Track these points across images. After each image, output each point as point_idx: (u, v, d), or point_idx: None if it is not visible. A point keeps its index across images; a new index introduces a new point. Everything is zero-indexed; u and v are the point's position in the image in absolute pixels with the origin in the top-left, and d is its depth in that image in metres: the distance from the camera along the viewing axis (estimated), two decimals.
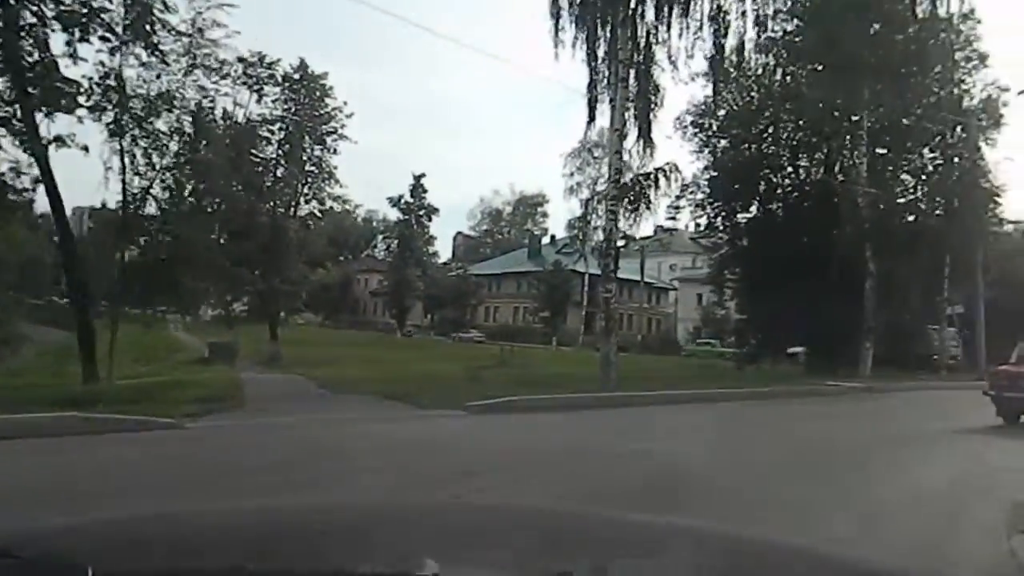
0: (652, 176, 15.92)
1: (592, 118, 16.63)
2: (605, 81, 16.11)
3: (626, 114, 15.56)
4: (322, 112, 34.82)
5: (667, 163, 16.38)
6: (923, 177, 26.39)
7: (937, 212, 25.04)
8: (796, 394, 16.88)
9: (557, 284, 50.14)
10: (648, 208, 16.23)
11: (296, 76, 33.60)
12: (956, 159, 26.37)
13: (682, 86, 26.16)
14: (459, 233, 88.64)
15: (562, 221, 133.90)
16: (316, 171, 36.09)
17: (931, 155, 26.92)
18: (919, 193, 25.44)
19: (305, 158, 35.38)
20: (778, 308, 26.43)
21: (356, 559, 1.61)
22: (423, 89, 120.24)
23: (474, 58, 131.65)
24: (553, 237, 70.84)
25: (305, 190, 36.64)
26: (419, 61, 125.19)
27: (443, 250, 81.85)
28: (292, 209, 37.11)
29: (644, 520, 2.21)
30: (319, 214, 38.88)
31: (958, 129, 26.24)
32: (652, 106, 15.83)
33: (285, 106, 34.45)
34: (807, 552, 1.90)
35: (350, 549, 1.69)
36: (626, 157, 15.95)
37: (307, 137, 34.73)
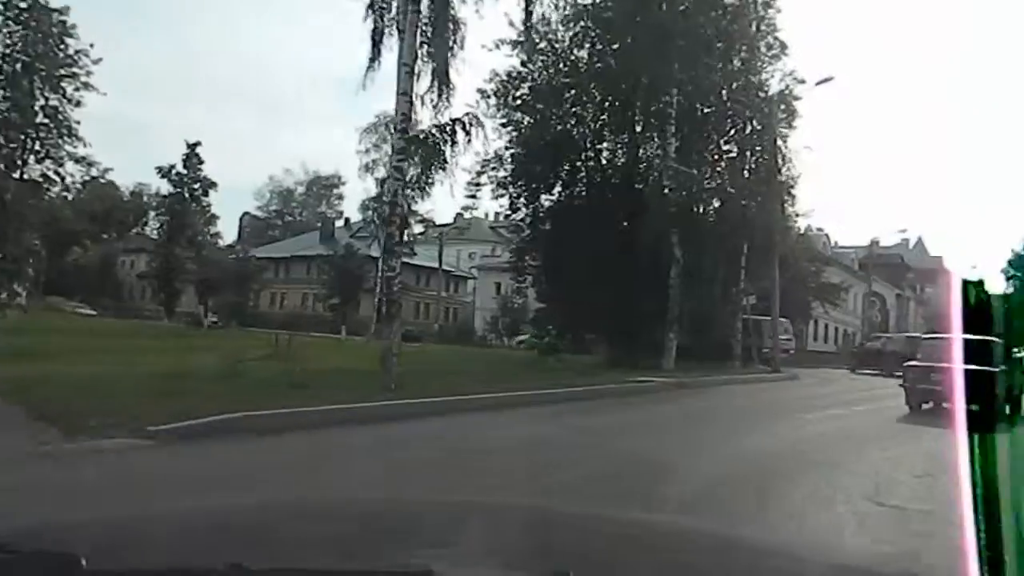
0: (448, 128, 12.88)
1: (376, 53, 13.33)
2: (394, 8, 12.92)
3: (418, 49, 12.49)
4: (60, 53, 28.65)
5: (467, 113, 13.40)
6: (724, 164, 25.73)
7: (744, 202, 24.35)
8: (610, 393, 14.84)
9: (348, 269, 46.13)
10: (443, 168, 13.23)
11: (22, 5, 27.37)
12: (755, 148, 25.97)
13: (486, 54, 23.18)
14: (246, 214, 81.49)
15: (359, 203, 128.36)
16: (50, 124, 29.81)
17: (730, 143, 26.37)
18: (723, 180, 24.61)
19: (37, 107, 29.07)
20: (580, 296, 24.79)
21: (356, 558, 1.57)
22: (210, 60, 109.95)
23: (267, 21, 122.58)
24: (347, 220, 66.54)
25: (36, 146, 30.22)
26: (206, 31, 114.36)
27: (229, 231, 75.04)
28: (17, 168, 30.46)
29: (644, 520, 2.38)
30: (56, 176, 32.23)
31: (758, 117, 25.83)
32: (451, 42, 12.84)
33: (7, 41, 28.08)
34: (806, 552, 1.97)
35: (350, 548, 1.67)
36: (417, 105, 12.87)
37: (38, 80, 28.41)
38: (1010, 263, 62.10)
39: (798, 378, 24.50)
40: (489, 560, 1.63)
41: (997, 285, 64.27)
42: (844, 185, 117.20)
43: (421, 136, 12.85)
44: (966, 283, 59.62)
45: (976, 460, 5.20)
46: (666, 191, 22.82)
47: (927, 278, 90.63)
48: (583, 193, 25.90)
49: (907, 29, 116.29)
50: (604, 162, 26.30)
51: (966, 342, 13.41)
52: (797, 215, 29.18)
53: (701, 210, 23.86)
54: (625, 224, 23.48)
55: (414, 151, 12.55)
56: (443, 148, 12.77)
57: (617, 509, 4.86)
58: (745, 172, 25.39)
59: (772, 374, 24.97)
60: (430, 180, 13.87)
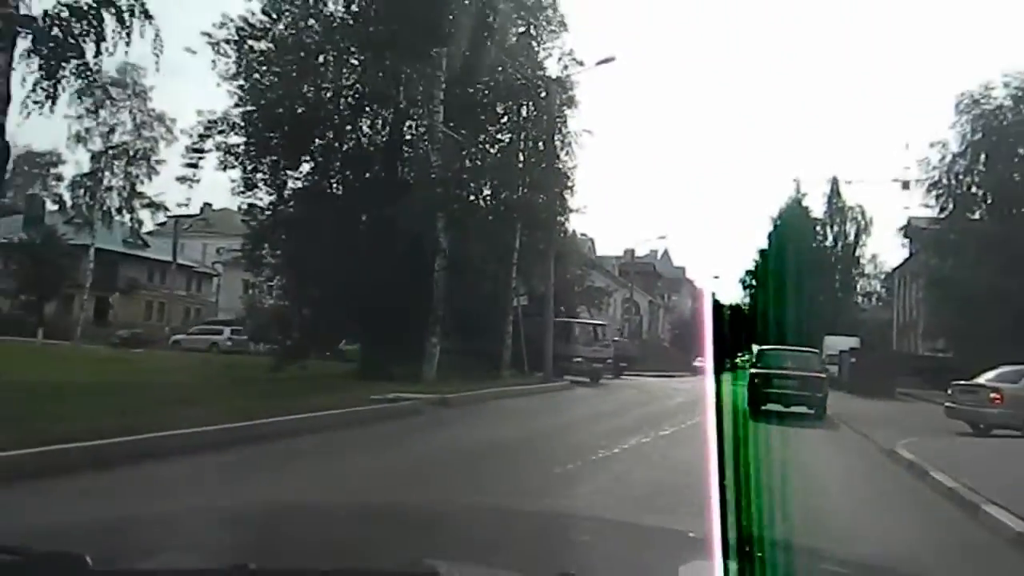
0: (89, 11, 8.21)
1: None
2: None
3: None
4: None
5: None
6: (498, 148, 22.92)
7: (519, 190, 21.63)
8: (339, 422, 10.61)
9: (48, 259, 37.86)
10: (85, 76, 8.64)
11: None
12: (532, 132, 23.47)
13: None
14: None
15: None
16: None
17: (505, 125, 23.65)
18: (498, 163, 21.70)
19: None
20: (331, 293, 20.80)
21: (356, 558, 1.60)
22: None
23: None
24: (64, 204, 56.22)
25: None
26: None
27: None
28: None
29: (647, 523, 2.52)
30: None
31: (535, 99, 23.37)
32: None
33: None
34: (805, 552, 2.03)
35: (350, 549, 1.70)
36: None
37: None
38: (747, 273, 66.90)
39: (576, 388, 22.67)
40: (493, 562, 1.64)
41: (735, 294, 69.47)
42: (602, 194, 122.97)
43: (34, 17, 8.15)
44: (716, 300, 63.35)
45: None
46: (433, 169, 19.46)
47: (673, 287, 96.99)
48: (338, 174, 21.87)
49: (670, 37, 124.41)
50: (364, 139, 22.44)
51: None
52: (571, 210, 27.28)
53: (471, 196, 20.80)
54: (385, 210, 19.83)
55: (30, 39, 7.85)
56: (78, 41, 8.20)
57: None
58: (520, 157, 22.81)
59: (553, 384, 22.61)
60: (56, 91, 9.12)
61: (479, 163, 20.07)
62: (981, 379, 15.73)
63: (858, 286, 53.15)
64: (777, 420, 16.65)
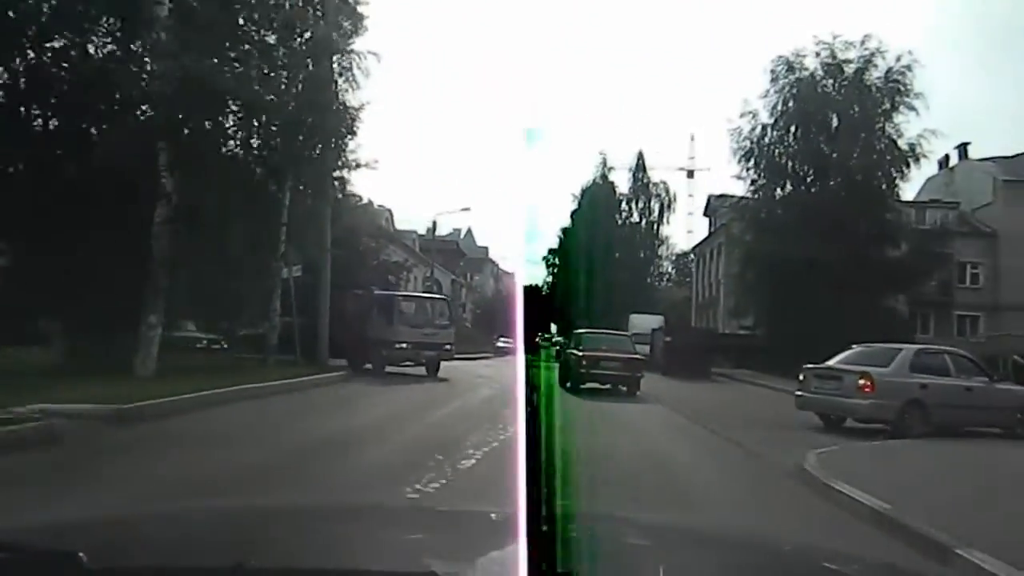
0: None
1: None
2: None
3: None
4: None
5: None
6: (257, 72, 17.64)
7: (282, 128, 16.61)
8: None
9: None
10: None
11: None
12: (306, 59, 18.41)
13: None
14: None
15: None
16: None
17: (268, 48, 18.40)
18: (255, 90, 16.42)
19: None
20: (20, 258, 15.05)
21: (356, 558, 1.61)
22: None
23: None
24: None
25: None
26: None
27: None
28: None
29: (647, 521, 2.57)
30: None
31: (310, 18, 18.39)
32: None
33: None
34: (805, 551, 2.01)
35: (350, 548, 1.72)
36: None
37: None
38: (550, 252, 65.48)
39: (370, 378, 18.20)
40: (491, 561, 1.70)
41: (539, 273, 67.88)
42: (401, 166, 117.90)
43: None
44: (520, 281, 61.11)
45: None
46: (149, 80, 14.02)
47: (476, 267, 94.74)
48: (22, 107, 15.70)
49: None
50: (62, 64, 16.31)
51: None
52: (358, 162, 22.56)
53: (210, 124, 15.35)
54: (94, 152, 14.15)
55: None
56: None
57: None
58: (285, 86, 17.71)
59: (323, 376, 17.76)
60: None
61: (225, 76, 14.58)
62: (836, 361, 13.29)
63: (661, 264, 52.84)
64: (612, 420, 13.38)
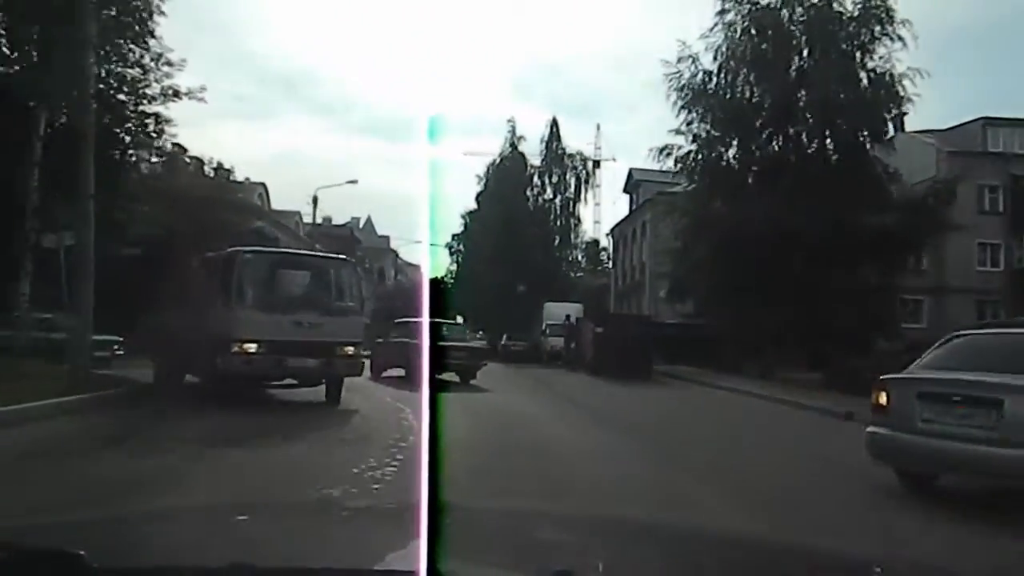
0: None
1: None
2: None
3: None
4: None
5: None
6: None
7: None
8: None
9: None
10: None
11: None
12: None
13: None
14: None
15: None
16: None
17: None
18: None
19: None
20: None
21: (355, 558, 1.61)
22: None
23: None
24: None
25: None
26: None
27: None
28: None
29: (645, 520, 2.63)
30: None
31: None
32: None
33: None
34: (805, 551, 2.00)
35: (349, 548, 1.70)
36: None
37: None
38: (454, 238, 59.67)
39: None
40: (492, 560, 1.67)
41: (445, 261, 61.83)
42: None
43: None
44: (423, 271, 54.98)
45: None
46: None
47: (376, 257, 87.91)
48: None
49: None
50: None
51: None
52: (175, 92, 16.08)
53: None
54: None
55: None
56: None
57: None
58: None
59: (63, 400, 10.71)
60: None
61: None
62: (955, 367, 7.20)
63: (578, 248, 47.28)
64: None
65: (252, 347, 11.12)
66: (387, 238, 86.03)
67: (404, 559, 1.44)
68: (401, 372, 17.93)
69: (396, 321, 20.86)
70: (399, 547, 1.63)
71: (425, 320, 19.85)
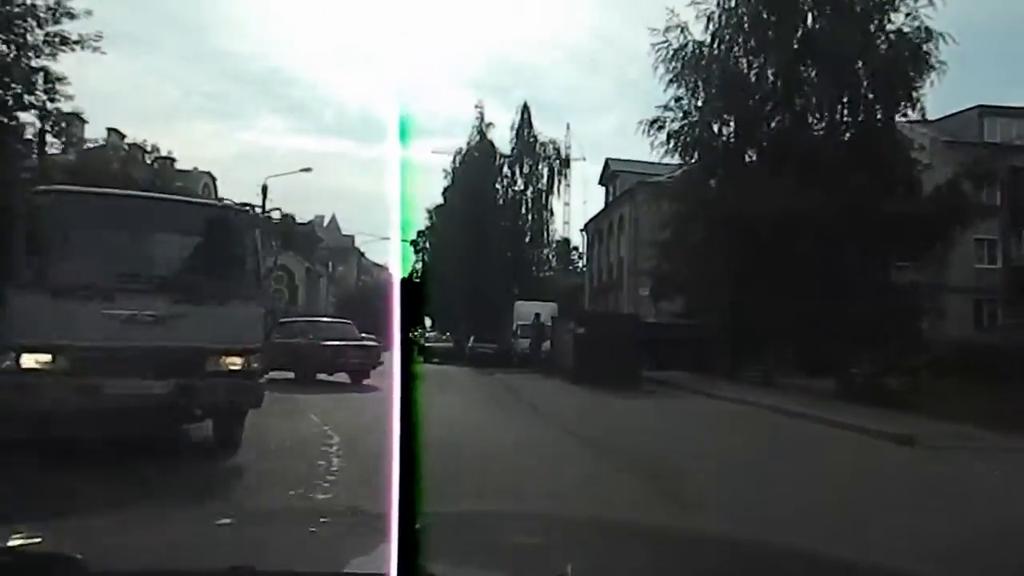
0: None
1: None
2: None
3: None
4: None
5: None
6: None
7: None
8: None
9: None
10: None
11: None
12: None
13: None
14: None
15: None
16: None
17: None
18: None
19: None
20: None
21: (355, 559, 1.63)
22: None
23: None
24: None
25: None
26: None
27: None
28: None
29: (643, 522, 2.65)
30: None
31: None
32: None
33: None
34: (805, 553, 1.95)
35: (349, 549, 1.72)
36: None
37: None
38: (420, 235, 56.78)
39: None
40: (490, 563, 1.66)
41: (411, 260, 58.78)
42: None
43: None
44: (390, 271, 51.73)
45: None
46: None
47: (340, 257, 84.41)
48: None
49: None
50: None
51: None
52: (63, 39, 13.03)
53: None
54: None
55: None
56: None
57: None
58: None
59: None
60: None
61: None
62: None
63: (550, 243, 44.18)
64: None
65: (37, 361, 6.42)
66: (352, 237, 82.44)
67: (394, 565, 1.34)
68: (290, 375, 16.55)
69: (281, 321, 19.61)
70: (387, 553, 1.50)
71: (321, 320, 19.88)
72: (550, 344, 26.08)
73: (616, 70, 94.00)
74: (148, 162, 29.10)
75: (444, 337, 40.20)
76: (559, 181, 41.38)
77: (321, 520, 2.15)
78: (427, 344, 38.66)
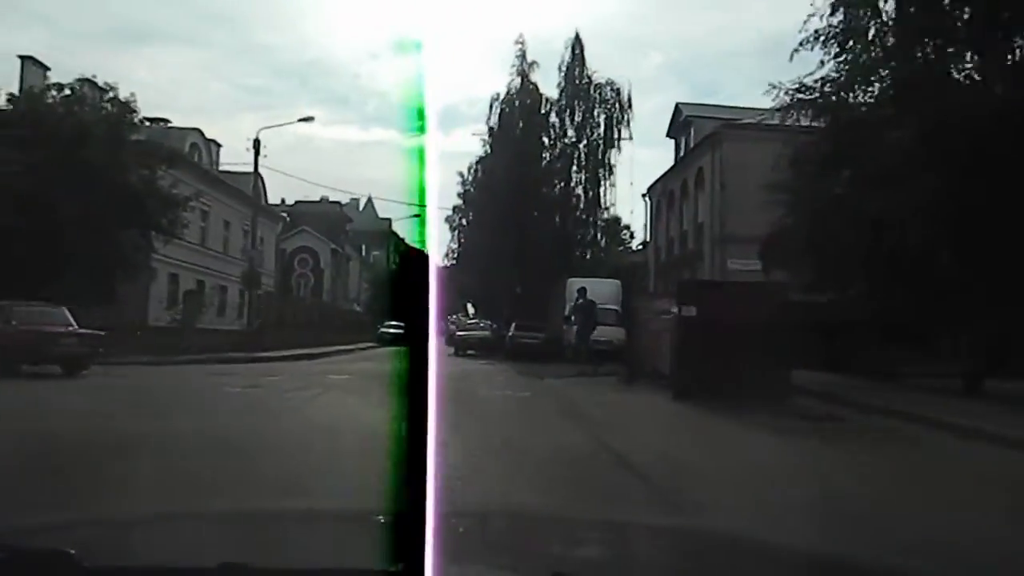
0: None
1: None
2: None
3: None
4: None
5: None
6: None
7: None
8: None
9: None
10: None
11: None
12: None
13: None
14: None
15: None
16: None
17: None
18: None
19: None
20: None
21: (354, 559, 1.60)
22: None
23: None
24: None
25: None
26: None
27: None
28: None
29: (642, 522, 2.50)
30: None
31: None
32: None
33: None
34: (805, 552, 1.90)
35: (348, 549, 1.70)
36: None
37: None
38: (455, 211, 50.42)
39: None
40: (488, 561, 1.65)
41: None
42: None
43: None
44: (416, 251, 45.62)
45: None
46: None
47: (376, 242, 78.25)
48: None
49: None
50: None
51: None
52: None
53: None
54: None
55: None
56: None
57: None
58: None
59: None
60: None
61: None
62: None
63: (610, 208, 36.10)
64: None
65: None
66: (388, 220, 75.94)
67: (402, 560, 1.36)
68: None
69: None
70: (396, 549, 1.55)
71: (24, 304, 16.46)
72: (625, 334, 19.08)
73: (663, 53, 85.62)
74: (106, 107, 22.75)
75: (482, 325, 33.23)
76: (618, 130, 33.48)
77: (311, 517, 2.08)
78: (460, 333, 31.90)
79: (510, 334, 26.82)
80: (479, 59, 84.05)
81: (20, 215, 18.50)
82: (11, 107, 21.99)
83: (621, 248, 40.38)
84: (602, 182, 33.68)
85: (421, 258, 49.57)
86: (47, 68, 27.19)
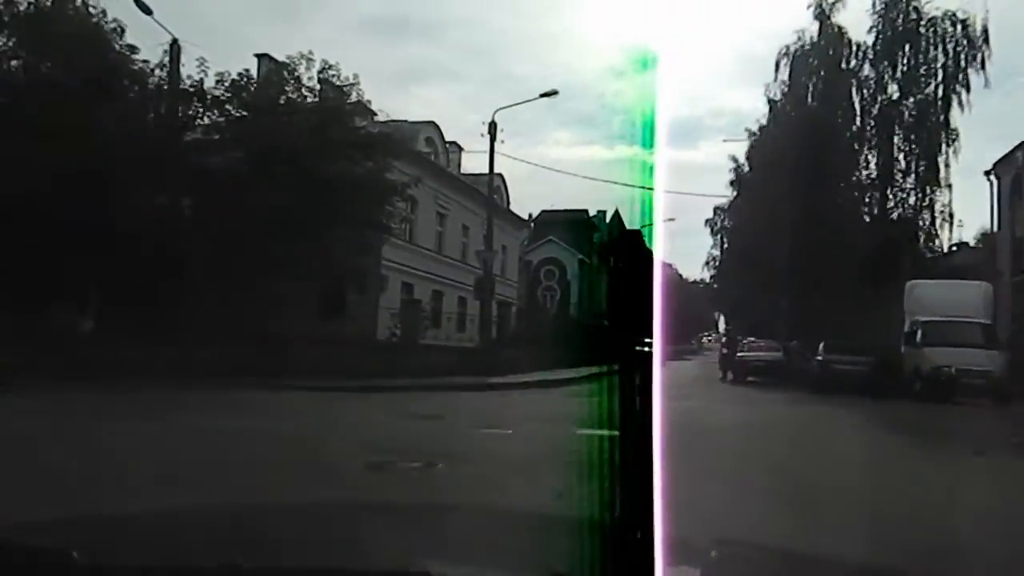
0: None
1: None
2: None
3: None
4: None
5: None
6: None
7: None
8: None
9: None
10: None
11: None
12: None
13: None
14: None
15: None
16: None
17: None
18: None
19: None
20: None
21: (354, 558, 1.58)
22: None
23: None
24: None
25: None
26: None
27: None
28: None
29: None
30: None
31: None
32: None
33: None
34: (805, 555, 1.99)
35: (348, 548, 1.67)
36: None
37: None
38: (716, 211, 44.42)
39: None
40: (487, 561, 1.63)
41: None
42: None
43: None
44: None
45: None
46: None
47: (622, 252, 73.47)
48: None
49: None
50: None
51: None
52: None
53: None
54: None
55: None
56: None
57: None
58: None
59: None
60: None
61: None
62: None
63: (947, 184, 26.35)
64: None
65: None
66: (638, 231, 70.88)
67: (406, 559, 1.37)
68: None
69: None
70: (402, 547, 1.57)
71: None
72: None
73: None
74: (315, 85, 19.50)
75: (772, 345, 25.83)
76: (964, 78, 24.18)
77: (311, 515, 2.06)
78: (741, 354, 25.07)
79: (819, 358, 19.71)
80: (723, 72, 76.97)
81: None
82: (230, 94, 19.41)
83: (954, 246, 30.25)
84: (941, 152, 24.61)
85: (667, 271, 44.25)
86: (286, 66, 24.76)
